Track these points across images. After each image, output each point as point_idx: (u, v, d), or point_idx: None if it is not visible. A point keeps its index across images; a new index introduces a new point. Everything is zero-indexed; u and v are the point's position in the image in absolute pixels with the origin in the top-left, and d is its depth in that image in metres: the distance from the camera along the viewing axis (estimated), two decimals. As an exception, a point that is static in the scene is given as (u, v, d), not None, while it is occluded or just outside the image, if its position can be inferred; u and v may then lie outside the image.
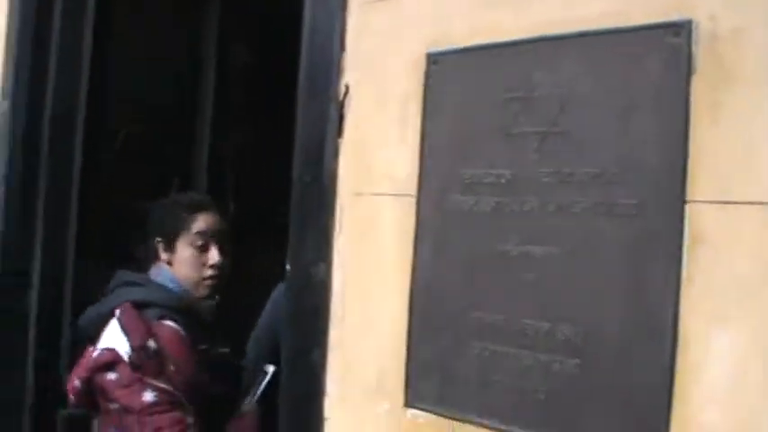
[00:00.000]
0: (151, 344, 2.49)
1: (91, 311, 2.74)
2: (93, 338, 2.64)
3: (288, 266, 2.24)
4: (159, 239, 2.81)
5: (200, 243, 2.79)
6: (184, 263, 2.78)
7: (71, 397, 2.66)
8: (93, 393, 2.59)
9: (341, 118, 2.16)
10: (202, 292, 2.79)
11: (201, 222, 2.82)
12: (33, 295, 3.65)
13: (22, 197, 3.65)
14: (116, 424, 2.55)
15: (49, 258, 3.66)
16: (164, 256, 2.80)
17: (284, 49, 4.56)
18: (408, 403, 2.01)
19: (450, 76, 1.96)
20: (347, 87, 2.16)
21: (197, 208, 2.87)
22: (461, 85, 1.94)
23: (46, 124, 3.65)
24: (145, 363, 2.47)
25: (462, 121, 1.94)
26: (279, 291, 3.31)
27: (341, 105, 2.16)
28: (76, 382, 2.60)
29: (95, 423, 2.70)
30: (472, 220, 1.90)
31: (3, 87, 3.72)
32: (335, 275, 2.15)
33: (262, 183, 4.21)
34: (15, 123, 3.65)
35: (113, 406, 2.52)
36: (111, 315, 2.61)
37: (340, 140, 2.16)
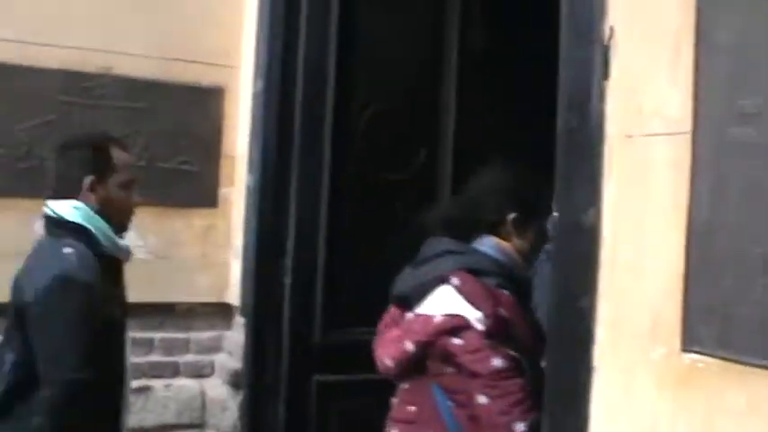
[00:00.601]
0: (501, 311, 2.53)
1: (409, 279, 2.76)
2: (411, 305, 2.70)
3: (555, 213, 2.25)
4: (516, 215, 2.69)
5: (545, 225, 2.76)
6: (529, 242, 2.72)
7: (388, 361, 2.71)
8: (423, 358, 2.62)
9: (606, 60, 2.14)
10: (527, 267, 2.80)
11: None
12: (288, 266, 3.83)
13: (277, 175, 3.84)
14: (446, 386, 2.59)
15: (303, 232, 3.84)
16: (509, 229, 2.70)
17: (519, 32, 4.63)
18: (685, 347, 1.96)
19: (723, 5, 1.91)
20: (612, 29, 2.14)
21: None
22: (736, 13, 1.88)
23: (298, 103, 3.83)
24: (497, 330, 2.51)
25: (739, 50, 1.87)
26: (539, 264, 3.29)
27: (606, 48, 2.14)
28: (409, 347, 2.63)
29: (401, 387, 2.73)
30: (753, 152, 1.83)
31: (256, 67, 3.93)
32: (605, 220, 2.13)
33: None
34: (269, 104, 3.84)
35: (449, 370, 2.57)
36: (439, 282, 2.64)
37: (606, 83, 2.14)
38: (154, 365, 4.01)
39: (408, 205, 4.05)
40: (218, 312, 4.13)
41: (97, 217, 2.71)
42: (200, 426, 4.10)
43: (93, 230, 2.70)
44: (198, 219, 4.05)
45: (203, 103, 4.07)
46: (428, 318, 2.61)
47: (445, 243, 2.74)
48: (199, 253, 4.05)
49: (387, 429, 2.81)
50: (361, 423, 3.87)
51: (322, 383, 3.87)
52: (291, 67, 3.84)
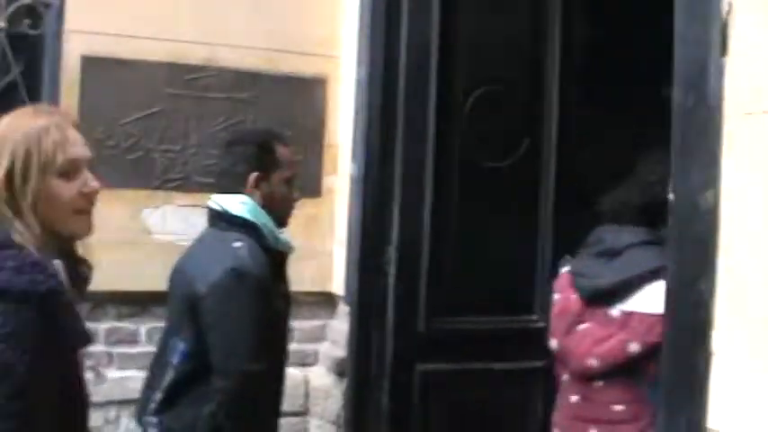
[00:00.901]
0: None
1: (599, 271, 2.73)
2: (611, 300, 2.67)
3: (670, 196, 2.21)
4: None
5: None
6: None
7: (593, 361, 2.68)
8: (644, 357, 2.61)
9: (724, 37, 2.08)
10: None
11: None
12: (392, 255, 3.84)
13: (381, 163, 3.86)
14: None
15: (407, 220, 3.86)
16: None
17: (621, 19, 4.56)
18: (810, 333, 1.90)
19: None
20: (730, 4, 2.08)
21: None
22: None
23: (400, 91, 3.84)
24: None
25: None
26: None
27: (724, 24, 2.09)
28: (634, 348, 2.61)
29: (592, 385, 2.72)
30: None
31: (359, 56, 3.95)
32: (724, 202, 2.08)
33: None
34: (372, 91, 3.86)
35: None
36: (652, 277, 2.61)
37: (724, 60, 2.09)
38: (259, 354, 4.07)
39: (511, 194, 4.04)
40: (322, 302, 4.16)
41: (263, 212, 2.80)
42: (304, 413, 4.13)
43: (260, 225, 2.78)
44: (302, 208, 4.06)
45: (305, 92, 4.10)
46: (655, 318, 2.54)
47: (636, 232, 2.69)
48: (302, 242, 4.07)
49: (571, 429, 2.78)
50: (465, 412, 3.88)
51: (425, 372, 3.87)
52: (394, 55, 3.83)
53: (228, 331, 2.65)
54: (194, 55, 3.94)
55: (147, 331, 3.94)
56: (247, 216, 2.76)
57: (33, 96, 3.78)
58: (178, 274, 2.83)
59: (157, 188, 3.89)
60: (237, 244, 2.71)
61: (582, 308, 2.73)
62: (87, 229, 1.92)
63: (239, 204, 2.77)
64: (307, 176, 4.09)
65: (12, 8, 3.76)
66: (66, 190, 1.84)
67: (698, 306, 2.11)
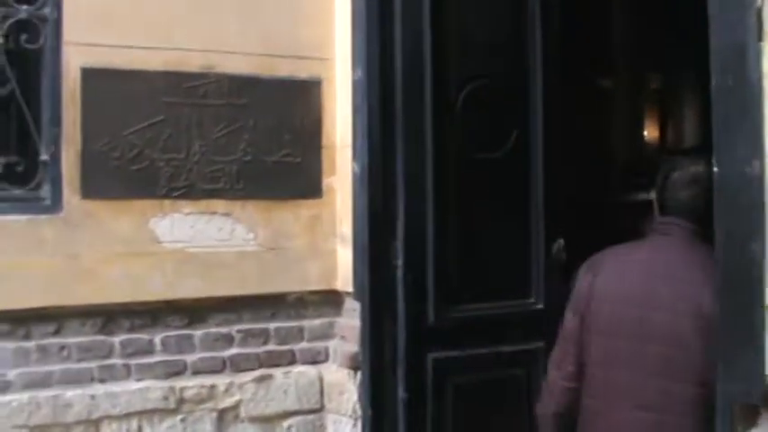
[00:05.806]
0: None
1: None
2: None
3: (715, 168, 2.53)
4: None
5: None
6: None
7: None
8: None
9: (760, 22, 2.42)
10: None
11: None
12: (399, 249, 4.11)
13: (383, 160, 4.14)
14: None
15: (412, 214, 4.14)
16: None
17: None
18: None
19: None
20: (764, -9, 2.41)
21: None
22: None
23: (398, 88, 4.12)
24: None
25: None
26: None
27: (759, 9, 2.42)
28: None
29: None
30: None
31: (354, 57, 4.21)
32: (768, 169, 2.41)
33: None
34: (370, 91, 4.12)
35: None
36: None
37: (762, 44, 2.42)
38: (270, 354, 4.29)
39: (505, 184, 4.36)
40: (327, 300, 4.39)
41: None
42: (320, 410, 4.37)
43: None
44: (305, 209, 4.31)
45: (301, 95, 4.32)
46: None
47: None
48: (306, 242, 4.31)
49: None
50: (477, 394, 4.20)
51: (437, 360, 4.15)
52: (389, 54, 4.10)
53: None
54: (191, 62, 4.12)
55: (161, 340, 4.12)
56: None
57: (34, 111, 3.94)
58: None
59: (164, 197, 4.07)
60: None
61: None
62: None
63: None
64: (307, 178, 4.35)
65: (8, 23, 3.90)
66: None
67: (751, 265, 2.43)
